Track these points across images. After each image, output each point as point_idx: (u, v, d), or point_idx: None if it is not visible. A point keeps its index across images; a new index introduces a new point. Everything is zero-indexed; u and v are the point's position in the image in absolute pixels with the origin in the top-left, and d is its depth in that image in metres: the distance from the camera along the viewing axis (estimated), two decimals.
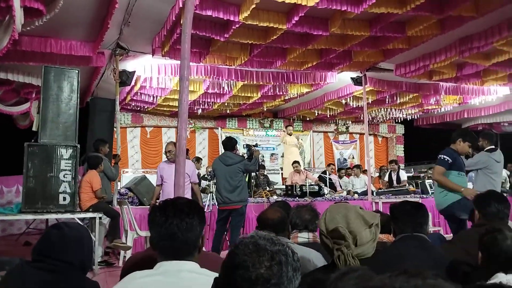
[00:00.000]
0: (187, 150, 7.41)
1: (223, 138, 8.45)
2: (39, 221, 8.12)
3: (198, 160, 6.72)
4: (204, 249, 1.60)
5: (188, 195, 5.29)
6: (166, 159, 5.70)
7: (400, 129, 14.42)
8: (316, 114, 11.94)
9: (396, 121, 13.53)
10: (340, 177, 10.39)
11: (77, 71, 5.49)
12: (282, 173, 11.05)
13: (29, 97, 8.40)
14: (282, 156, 11.50)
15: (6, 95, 8.04)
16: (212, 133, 12.59)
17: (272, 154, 13.00)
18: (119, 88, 7.06)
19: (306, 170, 9.28)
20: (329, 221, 1.62)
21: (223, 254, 5.49)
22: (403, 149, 14.38)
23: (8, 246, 6.98)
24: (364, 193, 8.78)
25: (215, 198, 6.22)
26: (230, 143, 5.87)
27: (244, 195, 5.70)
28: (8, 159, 9.79)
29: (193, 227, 1.47)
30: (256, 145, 6.54)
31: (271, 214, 2.42)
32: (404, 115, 12.17)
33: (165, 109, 10.78)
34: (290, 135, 10.14)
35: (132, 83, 7.91)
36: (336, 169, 10.83)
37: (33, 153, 5.03)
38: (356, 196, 8.60)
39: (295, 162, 8.94)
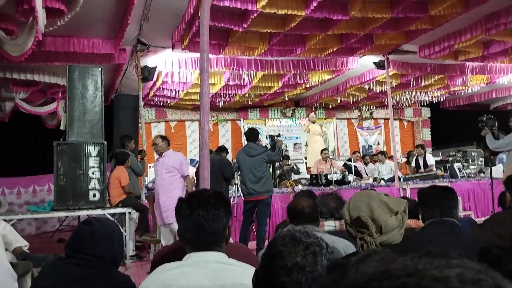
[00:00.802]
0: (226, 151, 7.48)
1: (246, 129, 8.46)
2: (72, 218, 8.31)
3: (223, 149, 6.76)
4: (231, 240, 1.60)
5: (176, 191, 5.06)
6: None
7: (426, 112, 14.13)
8: (339, 101, 11.84)
9: (422, 104, 13.26)
10: (366, 164, 10.29)
11: (100, 69, 5.58)
12: (306, 163, 11.03)
13: (56, 96, 8.62)
14: (306, 145, 11.46)
15: (33, 96, 8.27)
16: (235, 125, 12.64)
17: (295, 144, 12.98)
18: (142, 84, 7.15)
19: (331, 158, 9.20)
20: (353, 210, 1.63)
21: (251, 245, 5.68)
22: (429, 132, 14.11)
23: (43, 243, 7.21)
24: (391, 179, 8.68)
25: (240, 190, 6.26)
26: (252, 134, 5.90)
27: (269, 185, 5.73)
28: (39, 159, 10.12)
29: (219, 218, 1.47)
30: (278, 135, 6.52)
31: (302, 204, 2.42)
32: (430, 98, 11.92)
33: (187, 103, 10.88)
34: (313, 123, 10.04)
35: (154, 78, 7.99)
36: (361, 156, 10.69)
37: (62, 152, 5.16)
38: (382, 182, 8.57)
39: (324, 149, 8.87)
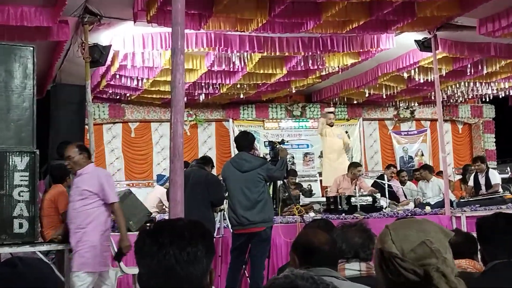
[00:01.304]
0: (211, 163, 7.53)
1: (236, 133, 8.44)
2: None
3: (207, 161, 6.80)
4: None
5: (92, 226, 4.84)
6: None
7: (489, 112, 14.26)
8: (367, 95, 11.91)
9: (483, 100, 13.41)
10: (403, 182, 10.32)
11: (32, 48, 5.56)
12: (320, 180, 11.08)
13: None
14: (321, 156, 11.48)
15: None
16: (221, 127, 12.69)
17: (305, 154, 13.03)
18: (91, 70, 7.16)
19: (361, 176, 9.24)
20: (402, 240, 1.64)
21: None
22: (494, 140, 14.21)
23: None
24: (439, 204, 8.68)
25: (227, 219, 6.23)
26: (246, 141, 5.96)
27: (267, 212, 5.78)
28: None
29: (197, 258, 1.49)
30: (282, 142, 6.65)
31: (316, 238, 2.44)
32: (494, 91, 12.01)
33: (154, 96, 10.92)
34: (331, 125, 9.75)
35: (108, 62, 8.00)
36: (398, 171, 10.73)
37: None
38: (428, 209, 8.56)
39: (357, 165, 9.04)
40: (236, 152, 6.12)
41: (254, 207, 5.68)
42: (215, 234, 6.73)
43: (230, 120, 12.52)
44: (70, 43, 7.50)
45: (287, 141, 8.24)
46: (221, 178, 6.16)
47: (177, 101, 3.36)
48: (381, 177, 9.93)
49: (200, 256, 1.49)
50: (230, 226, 6.01)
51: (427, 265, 1.57)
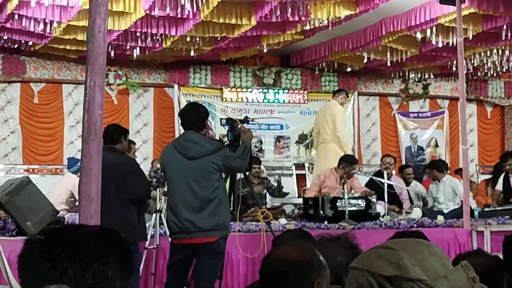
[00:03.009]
0: (130, 142, 7.55)
1: (184, 105, 8.38)
2: None
3: (118, 135, 6.76)
4: None
5: None
6: None
7: None
8: (365, 61, 11.95)
9: None
10: (407, 182, 10.45)
11: None
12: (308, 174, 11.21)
13: None
14: (300, 141, 11.46)
15: None
16: (162, 95, 12.65)
17: (278, 138, 13.06)
18: None
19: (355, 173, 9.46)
20: (421, 265, 1.71)
21: None
22: None
23: None
24: (456, 213, 8.78)
25: (165, 223, 6.31)
26: (195, 116, 5.95)
27: (222, 216, 5.83)
28: None
29: (107, 280, 1.48)
30: (246, 120, 6.60)
31: (286, 255, 2.51)
32: None
33: (68, 47, 10.73)
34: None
35: None
36: (402, 166, 10.84)
37: None
38: (440, 219, 8.62)
39: (352, 159, 9.32)
40: (182, 130, 6.13)
41: (204, 208, 5.71)
42: (147, 244, 6.78)
43: (175, 86, 12.41)
44: None
45: (253, 120, 8.20)
46: (158, 166, 6.14)
47: (95, 56, 3.36)
48: (379, 173, 10.00)
49: (111, 277, 1.48)
50: (168, 233, 6.02)
51: None
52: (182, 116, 6.14)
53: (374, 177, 9.86)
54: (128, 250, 1.58)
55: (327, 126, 10.22)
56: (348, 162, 9.00)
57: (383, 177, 9.52)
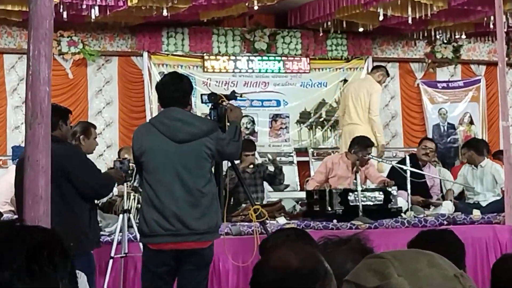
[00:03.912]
0: (89, 125, 7.63)
1: (157, 77, 8.05)
2: None
3: (85, 130, 6.94)
4: None
5: None
6: None
7: None
8: (381, 18, 11.86)
9: None
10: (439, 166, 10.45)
11: None
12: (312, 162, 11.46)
13: None
14: (302, 122, 11.37)
15: None
16: (129, 65, 12.65)
17: (274, 117, 13.13)
18: None
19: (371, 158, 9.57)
20: (413, 276, 1.80)
21: None
22: None
23: None
24: (496, 206, 8.88)
25: (134, 225, 6.55)
26: (179, 88, 5.96)
27: (216, 215, 5.92)
28: None
29: None
30: (233, 96, 6.64)
31: (285, 262, 2.44)
32: None
33: (8, 8, 10.63)
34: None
35: None
36: (432, 150, 10.69)
37: None
38: (476, 213, 8.69)
39: (368, 141, 9.45)
40: (155, 110, 5.88)
41: (197, 205, 5.73)
42: (112, 252, 6.82)
43: (145, 54, 12.40)
44: None
45: (242, 95, 8.18)
46: (135, 153, 6.03)
47: (39, 18, 3.33)
48: (402, 161, 9.97)
49: None
50: (141, 236, 5.92)
51: None
52: (162, 89, 6.05)
53: (397, 164, 9.75)
54: (66, 260, 1.59)
55: (359, 106, 10.64)
56: (361, 145, 9.05)
57: (406, 163, 9.41)
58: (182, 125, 5.79)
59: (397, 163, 10.01)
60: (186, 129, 5.76)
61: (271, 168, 10.55)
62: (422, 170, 9.67)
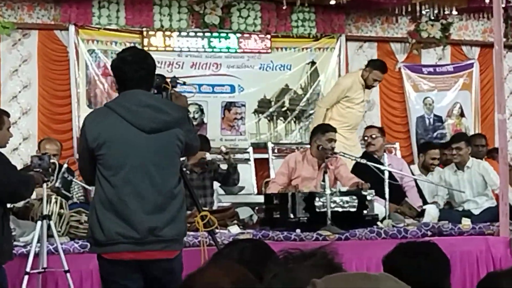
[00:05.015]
0: (1, 112, 7.61)
1: (86, 54, 8.01)
2: None
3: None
4: None
5: None
6: None
7: None
8: None
9: None
10: (426, 168, 10.84)
11: None
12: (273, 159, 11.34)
13: None
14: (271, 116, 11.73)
15: None
16: (51, 41, 12.59)
17: (228, 105, 13.21)
18: None
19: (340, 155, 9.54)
20: None
21: None
22: None
23: None
24: (490, 214, 9.02)
25: (93, 230, 6.16)
26: (144, 67, 5.93)
27: (184, 221, 6.02)
28: None
29: None
30: (174, 82, 6.55)
31: (215, 285, 2.56)
32: None
33: None
34: (370, 88, 11.26)
35: None
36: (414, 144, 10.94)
37: None
38: (466, 223, 8.81)
39: (322, 128, 9.43)
40: (83, 96, 6.01)
41: (165, 208, 5.76)
42: (28, 267, 6.80)
43: (71, 27, 12.28)
44: None
45: (185, 82, 8.12)
46: (90, 145, 5.86)
47: None
48: (372, 154, 10.17)
49: None
50: (94, 245, 5.87)
51: None
52: (121, 68, 5.93)
53: (374, 164, 9.55)
54: None
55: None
56: (320, 131, 9.21)
57: (375, 160, 9.62)
58: (153, 112, 5.75)
59: (360, 157, 9.95)
60: (158, 117, 5.75)
61: (223, 166, 10.48)
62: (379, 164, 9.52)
